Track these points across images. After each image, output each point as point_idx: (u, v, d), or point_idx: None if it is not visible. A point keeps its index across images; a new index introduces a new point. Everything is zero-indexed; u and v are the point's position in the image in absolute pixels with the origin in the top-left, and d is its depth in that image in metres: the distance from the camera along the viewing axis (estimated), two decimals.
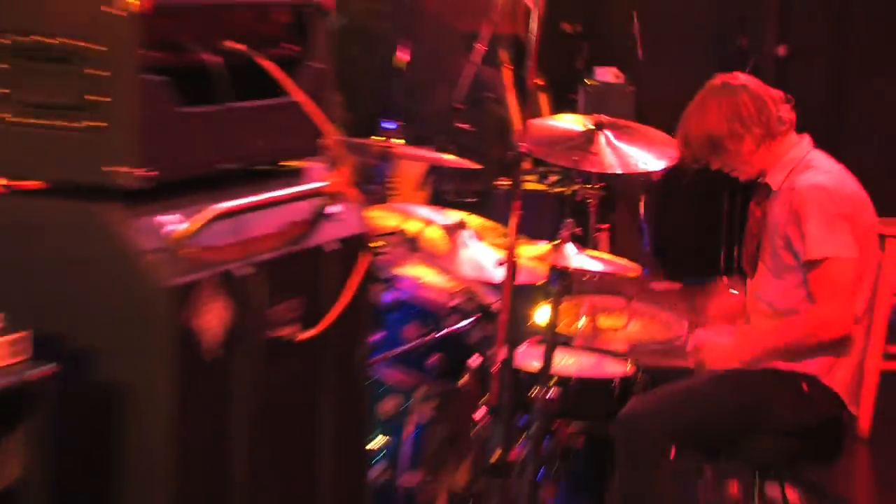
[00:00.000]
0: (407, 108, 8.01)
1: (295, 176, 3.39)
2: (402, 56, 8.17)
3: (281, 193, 3.18)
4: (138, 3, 2.69)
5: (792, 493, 5.38)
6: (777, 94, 4.46)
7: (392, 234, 5.26)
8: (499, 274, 4.75)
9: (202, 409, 2.88)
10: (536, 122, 5.32)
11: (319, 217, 3.24)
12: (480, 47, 3.85)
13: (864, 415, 6.41)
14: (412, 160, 5.64)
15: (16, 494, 2.54)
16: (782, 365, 4.37)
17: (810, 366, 4.35)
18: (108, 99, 2.73)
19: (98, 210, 2.77)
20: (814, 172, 4.36)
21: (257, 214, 3.06)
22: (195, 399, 2.84)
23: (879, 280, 5.74)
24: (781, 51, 8.40)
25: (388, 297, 5.00)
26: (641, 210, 5.73)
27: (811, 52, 8.45)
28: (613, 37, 8.51)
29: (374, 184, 4.76)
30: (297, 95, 3.14)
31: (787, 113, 4.41)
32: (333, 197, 3.26)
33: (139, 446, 2.80)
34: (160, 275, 2.71)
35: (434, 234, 5.22)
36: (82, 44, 2.73)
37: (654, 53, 8.08)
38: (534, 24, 4.37)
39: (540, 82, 5.36)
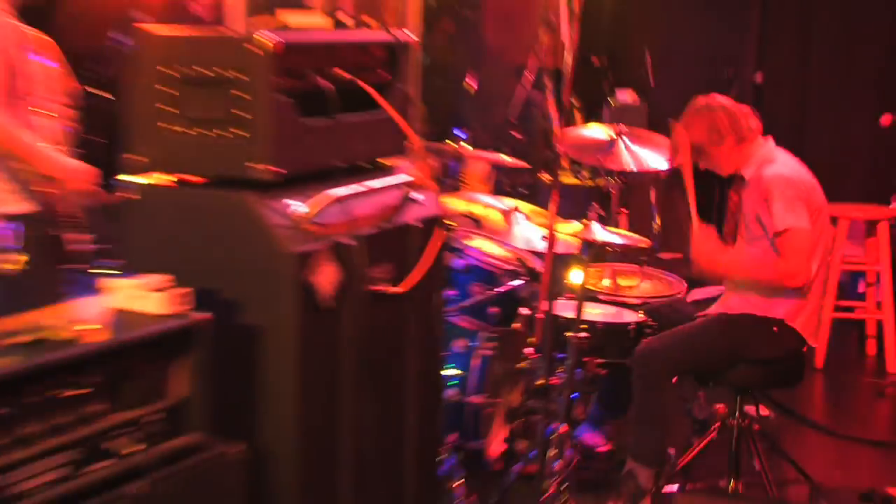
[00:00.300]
0: (474, 121, 8.22)
1: (387, 171, 3.46)
2: (471, 83, 8.40)
3: (377, 184, 3.30)
4: (271, 44, 2.87)
5: (764, 410, 5.63)
6: (746, 108, 4.64)
7: (463, 215, 5.46)
8: (542, 246, 4.95)
9: (318, 345, 3.02)
10: (571, 131, 5.50)
11: (406, 202, 3.36)
12: (529, 76, 4.03)
13: (819, 351, 6.60)
14: (477, 160, 5.80)
15: (185, 406, 2.70)
16: (757, 311, 4.56)
17: (778, 312, 4.52)
18: (249, 115, 2.91)
19: (242, 197, 2.95)
20: (776, 165, 4.51)
21: (359, 200, 3.19)
22: (312, 337, 2.99)
23: (833, 250, 6.18)
24: (759, 77, 8.53)
25: (459, 263, 5.18)
26: (652, 198, 5.82)
27: (781, 77, 8.53)
28: (631, 68, 8.60)
29: (449, 178, 4.93)
30: (388, 111, 3.27)
31: (754, 122, 4.59)
32: (416, 187, 3.39)
33: (273, 372, 2.97)
34: (287, 244, 2.89)
35: (494, 216, 5.42)
36: (231, 74, 2.91)
37: (661, 80, 8.17)
38: (569, 58, 4.54)
39: (575, 102, 5.51)
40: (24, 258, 4.37)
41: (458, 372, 5.10)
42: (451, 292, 5.22)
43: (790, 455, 5.12)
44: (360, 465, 3.22)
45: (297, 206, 2.99)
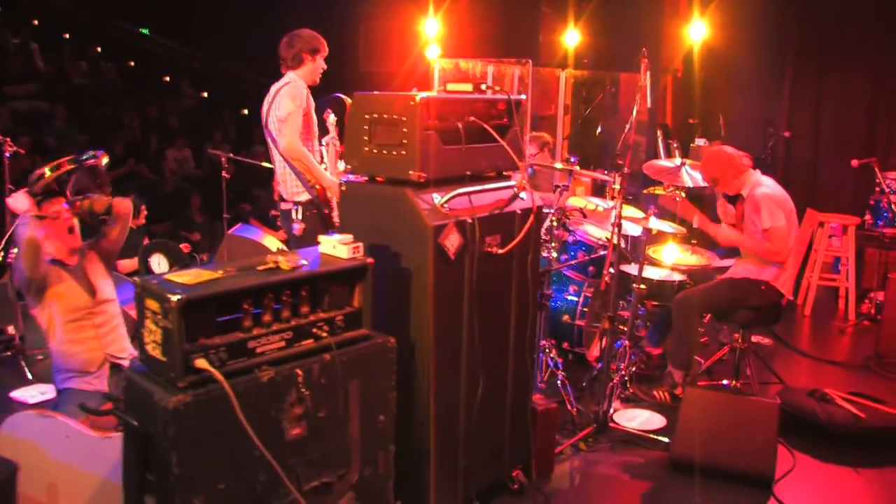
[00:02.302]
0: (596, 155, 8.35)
1: (503, 179, 3.44)
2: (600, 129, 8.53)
3: (492, 186, 3.32)
4: (422, 100, 2.97)
5: (764, 339, 5.60)
6: (742, 153, 4.65)
7: (576, 209, 5.50)
8: (630, 230, 4.97)
9: (449, 285, 3.06)
10: (656, 161, 5.46)
11: (513, 198, 3.36)
12: (633, 124, 4.09)
13: (808, 305, 6.85)
14: (584, 176, 5.80)
15: (359, 312, 2.78)
16: (751, 275, 4.56)
17: (765, 276, 4.54)
18: (408, 142, 3.01)
19: (404, 191, 3.03)
20: (762, 187, 4.53)
21: (480, 195, 3.21)
22: (444, 279, 3.03)
23: (817, 245, 6.76)
24: (787, 133, 8.43)
25: (571, 238, 5.24)
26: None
27: (802, 132, 8.64)
28: (711, 125, 8.58)
29: (564, 186, 4.96)
30: (504, 143, 3.30)
31: (746, 160, 4.61)
32: (520, 190, 3.39)
33: (417, 295, 3.05)
34: (429, 219, 2.97)
35: (596, 210, 5.45)
36: (399, 117, 3.02)
37: (729, 132, 8.26)
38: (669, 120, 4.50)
39: (674, 143, 5.51)
40: (303, 226, 4.72)
41: (571, 308, 5.23)
42: (564, 256, 5.30)
43: (774, 368, 5.17)
44: (475, 356, 3.20)
45: (436, 197, 3.05)
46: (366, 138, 3.13)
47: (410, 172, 3.01)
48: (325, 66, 4.75)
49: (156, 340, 2.39)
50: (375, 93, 3.16)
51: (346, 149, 3.29)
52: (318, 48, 4.70)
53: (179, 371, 2.33)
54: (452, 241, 3.02)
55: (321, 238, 2.83)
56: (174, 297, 2.29)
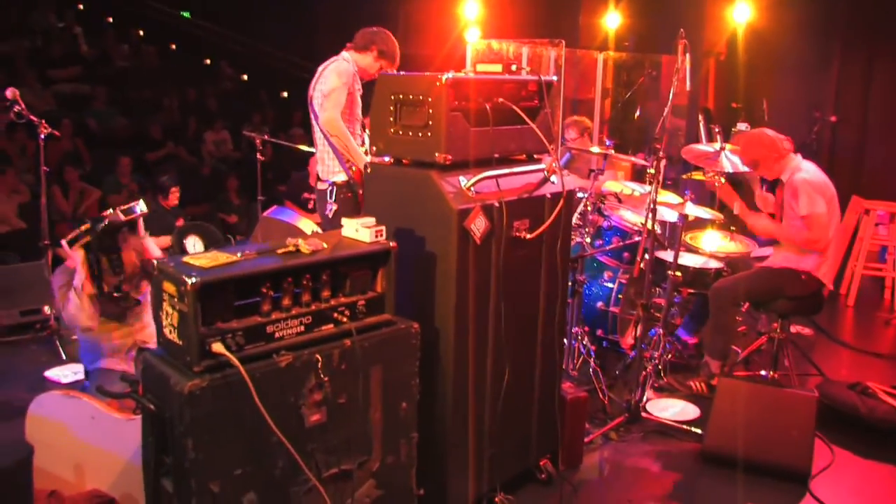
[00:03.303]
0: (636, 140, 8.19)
1: (533, 161, 3.34)
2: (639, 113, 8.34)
3: (521, 169, 3.21)
4: (447, 80, 2.89)
5: (805, 330, 5.58)
6: (782, 136, 4.49)
7: (612, 194, 5.37)
8: (666, 216, 4.84)
9: (475, 270, 2.98)
10: (694, 146, 5.31)
11: (543, 182, 3.26)
12: (669, 107, 3.97)
13: (852, 295, 6.67)
14: (621, 160, 5.67)
15: (381, 297, 2.73)
16: (792, 265, 4.42)
17: (806, 265, 4.40)
18: (434, 123, 2.94)
19: (429, 173, 2.95)
20: (802, 172, 4.37)
21: (508, 179, 3.13)
22: (470, 264, 2.96)
23: (862, 233, 6.57)
24: (833, 118, 8.17)
25: (606, 223, 5.12)
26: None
27: (849, 116, 8.40)
28: (754, 109, 8.35)
29: (599, 171, 4.85)
30: (533, 125, 3.20)
31: (787, 144, 4.44)
32: (550, 173, 3.29)
33: (441, 280, 2.96)
34: (453, 203, 2.89)
35: (633, 195, 5.31)
36: (425, 97, 2.93)
37: (773, 117, 7.99)
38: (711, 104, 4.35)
39: (716, 128, 5.36)
40: (336, 207, 4.66)
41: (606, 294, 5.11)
42: (599, 241, 5.18)
43: (814, 360, 5.05)
44: (501, 343, 3.13)
45: (462, 180, 2.97)
46: (391, 119, 3.07)
47: (436, 154, 2.93)
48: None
49: (172, 324, 2.36)
50: (402, 73, 3.08)
51: (371, 130, 3.21)
52: (389, 55, 4.61)
53: (195, 355, 2.30)
54: (479, 226, 2.95)
55: (344, 221, 2.77)
56: (190, 281, 2.26)
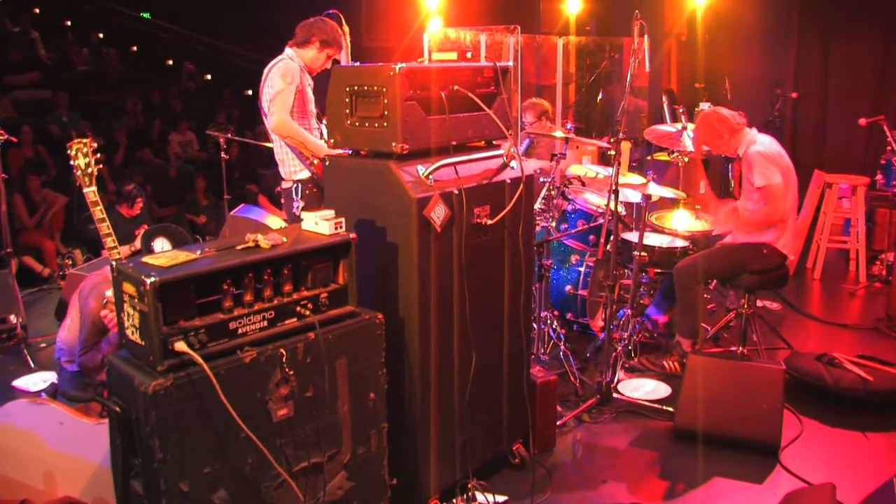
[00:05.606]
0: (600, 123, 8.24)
1: (492, 148, 3.35)
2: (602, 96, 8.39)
3: (479, 156, 3.23)
4: (401, 70, 2.89)
5: (773, 304, 5.64)
6: (735, 111, 4.55)
7: (576, 177, 5.40)
8: (630, 197, 4.87)
9: (437, 258, 2.99)
10: (657, 127, 5.35)
11: (502, 168, 3.23)
12: (628, 89, 4.00)
13: (817, 268, 6.75)
14: (582, 143, 5.70)
15: (344, 290, 2.72)
16: (752, 240, 4.46)
17: (766, 238, 4.44)
18: (389, 114, 2.94)
19: (387, 163, 2.95)
20: (756, 145, 4.42)
21: (467, 166, 3.14)
22: (432, 252, 2.97)
23: (825, 207, 6.62)
24: (794, 95, 8.27)
25: (570, 207, 5.14)
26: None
27: (809, 93, 8.48)
28: (717, 89, 8.43)
29: (561, 155, 4.86)
30: (490, 111, 3.22)
31: (740, 119, 4.49)
32: (509, 158, 3.23)
33: (403, 270, 2.97)
34: (413, 192, 2.89)
35: (596, 178, 5.34)
36: (380, 88, 2.94)
37: (736, 96, 8.12)
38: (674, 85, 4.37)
39: (680, 109, 5.40)
40: (303, 204, 4.64)
41: (572, 278, 5.12)
42: (564, 226, 5.21)
43: (782, 333, 5.14)
44: (467, 330, 3.14)
45: (420, 169, 2.98)
46: (347, 111, 3.08)
47: (393, 144, 2.94)
48: (329, 67, 4.59)
49: (134, 324, 2.35)
50: (356, 65, 3.08)
51: (328, 123, 3.21)
52: (332, 42, 4.56)
53: (158, 355, 2.29)
54: (438, 213, 2.96)
55: (304, 214, 2.77)
56: (149, 280, 2.25)
